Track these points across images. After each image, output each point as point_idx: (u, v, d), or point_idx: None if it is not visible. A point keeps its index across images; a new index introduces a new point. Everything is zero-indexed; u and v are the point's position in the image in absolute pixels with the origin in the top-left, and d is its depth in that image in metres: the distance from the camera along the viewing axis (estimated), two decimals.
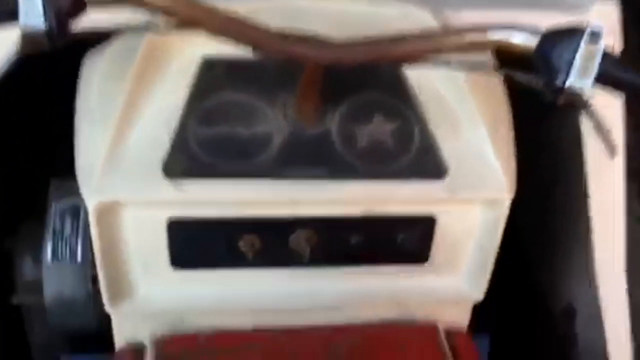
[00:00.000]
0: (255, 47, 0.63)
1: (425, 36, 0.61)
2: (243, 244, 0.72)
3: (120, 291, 0.73)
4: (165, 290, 0.74)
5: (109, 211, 0.68)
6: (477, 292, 0.79)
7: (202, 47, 0.73)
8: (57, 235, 0.85)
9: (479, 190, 0.72)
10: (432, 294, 0.79)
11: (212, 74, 0.73)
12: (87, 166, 0.68)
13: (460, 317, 0.83)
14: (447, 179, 0.72)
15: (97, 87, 0.72)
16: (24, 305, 0.90)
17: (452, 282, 0.80)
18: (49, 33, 0.54)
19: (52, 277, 0.85)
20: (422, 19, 0.72)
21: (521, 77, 0.61)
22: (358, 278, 0.77)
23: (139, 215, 0.69)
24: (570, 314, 1.02)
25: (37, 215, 0.88)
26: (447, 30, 0.64)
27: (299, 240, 0.73)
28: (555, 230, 0.99)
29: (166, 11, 0.59)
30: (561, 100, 0.55)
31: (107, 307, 0.73)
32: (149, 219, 0.70)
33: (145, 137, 0.69)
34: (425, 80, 0.75)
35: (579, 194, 0.87)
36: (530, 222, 1.03)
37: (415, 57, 0.62)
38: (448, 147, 0.73)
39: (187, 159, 0.68)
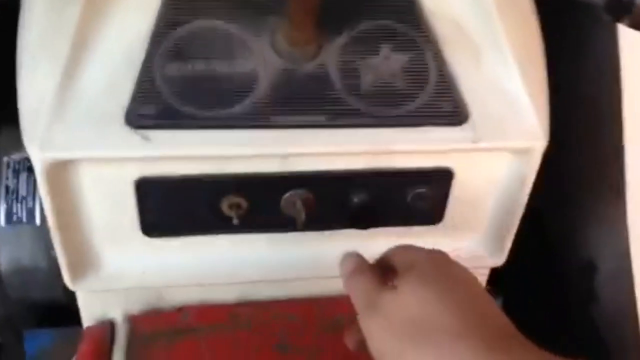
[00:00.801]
0: None
1: None
2: (227, 207, 0.61)
3: (83, 266, 0.61)
4: (136, 261, 0.63)
5: (61, 170, 0.55)
6: (498, 257, 0.68)
7: None
8: (11, 194, 0.73)
9: (506, 137, 0.60)
10: None
11: None
12: (30, 114, 0.55)
13: None
14: (469, 124, 0.59)
15: (39, 11, 0.58)
16: None
17: (470, 245, 0.69)
18: None
19: (7, 242, 0.73)
20: None
21: None
22: (361, 243, 0.65)
23: (99, 174, 0.57)
24: (591, 269, 0.92)
25: None
26: None
27: (293, 200, 0.62)
28: (576, 179, 0.88)
29: None
30: (628, 21, 0.43)
31: (69, 284, 0.62)
32: (113, 178, 0.58)
33: (102, 76, 0.56)
34: (441, 1, 0.62)
35: (613, 138, 0.76)
36: (541, 169, 0.92)
37: None
38: (469, 85, 0.61)
39: (154, 104, 0.56)
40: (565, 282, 0.94)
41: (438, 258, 0.49)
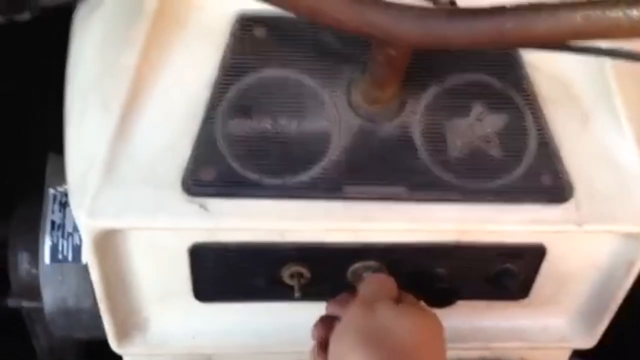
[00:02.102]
0: (313, 16, 0.42)
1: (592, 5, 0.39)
2: (288, 276, 0.55)
3: (129, 330, 0.56)
4: (186, 325, 0.58)
5: (110, 237, 0.50)
6: (588, 341, 0.60)
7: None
8: (57, 230, 0.69)
9: (616, 220, 0.51)
10: (527, 336, 0.61)
11: (250, 39, 0.53)
12: (78, 174, 0.50)
13: None
14: (572, 203, 0.51)
15: (90, 58, 0.52)
16: (23, 308, 0.75)
17: (556, 325, 0.61)
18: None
19: (52, 281, 0.69)
20: None
21: None
22: (437, 315, 0.59)
23: (151, 241, 0.51)
24: None
25: (36, 197, 0.72)
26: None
27: (361, 272, 0.55)
28: None
29: None
30: None
31: (114, 348, 0.57)
32: (166, 245, 0.52)
33: (159, 133, 0.50)
34: (546, 56, 0.53)
35: None
36: None
37: (567, 39, 0.41)
38: (574, 155, 0.53)
39: (215, 167, 0.49)
40: None
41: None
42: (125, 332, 0.56)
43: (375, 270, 0.55)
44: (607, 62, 0.52)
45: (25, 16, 0.36)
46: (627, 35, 0.38)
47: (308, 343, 0.59)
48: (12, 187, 0.77)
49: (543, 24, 0.39)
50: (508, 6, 0.40)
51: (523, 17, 0.39)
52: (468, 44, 0.41)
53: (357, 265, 0.55)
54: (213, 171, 0.49)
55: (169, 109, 0.51)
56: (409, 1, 0.42)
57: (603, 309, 0.58)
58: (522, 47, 0.53)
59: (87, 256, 0.50)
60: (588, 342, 0.60)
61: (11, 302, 0.73)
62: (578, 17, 0.38)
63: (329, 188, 0.50)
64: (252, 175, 0.50)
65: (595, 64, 0.53)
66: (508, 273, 0.56)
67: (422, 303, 0.53)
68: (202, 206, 0.49)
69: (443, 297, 0.56)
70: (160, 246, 0.52)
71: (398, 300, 0.48)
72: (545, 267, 0.56)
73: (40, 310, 0.71)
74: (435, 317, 0.48)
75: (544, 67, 0.54)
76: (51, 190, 0.70)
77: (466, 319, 0.60)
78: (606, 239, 0.54)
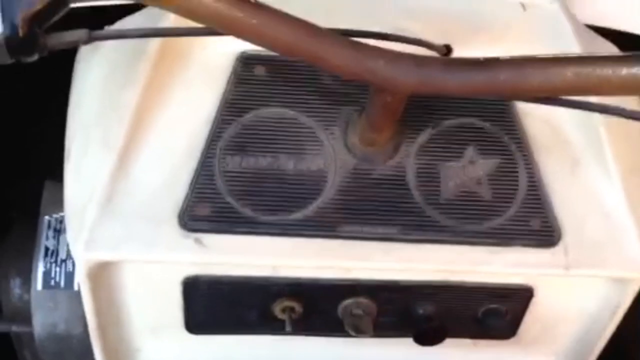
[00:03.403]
0: (313, 62, 0.43)
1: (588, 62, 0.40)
2: (279, 310, 0.55)
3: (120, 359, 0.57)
4: (178, 358, 0.58)
5: (104, 269, 0.51)
6: None
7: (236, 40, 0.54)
8: (50, 256, 0.69)
9: (604, 265, 0.53)
10: None
11: (251, 78, 0.54)
12: (76, 206, 0.51)
13: None
14: (560, 247, 0.52)
15: (92, 96, 0.53)
16: (12, 332, 0.75)
17: None
18: (8, 42, 0.36)
19: (43, 307, 0.69)
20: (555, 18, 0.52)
21: None
22: (424, 353, 0.60)
23: (145, 273, 0.52)
24: None
25: (30, 223, 0.72)
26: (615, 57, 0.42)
27: (352, 308, 0.56)
28: None
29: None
30: None
31: None
32: (159, 277, 0.52)
33: (158, 168, 0.51)
34: (539, 106, 0.55)
35: None
36: None
37: (558, 93, 0.42)
38: (564, 200, 0.54)
39: (211, 203, 0.50)
40: None
41: None
42: None
43: (367, 308, 0.56)
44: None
45: (34, 58, 0.37)
46: (617, 92, 0.40)
47: None
48: (7, 212, 0.78)
49: (535, 78, 0.40)
50: (503, 58, 0.42)
51: (517, 70, 0.41)
52: (462, 93, 0.43)
53: (348, 301, 0.55)
54: (209, 207, 0.50)
55: (169, 145, 0.52)
56: (406, 48, 0.44)
57: (588, 351, 0.59)
58: (515, 99, 0.54)
59: (81, 286, 0.51)
60: None
61: (1, 327, 0.73)
62: (569, 73, 0.40)
63: (324, 226, 0.51)
64: (248, 212, 0.50)
65: (586, 112, 0.54)
66: (495, 313, 0.57)
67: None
68: (197, 241, 0.50)
69: (431, 335, 0.56)
70: (154, 278, 0.53)
71: None
72: (533, 308, 0.57)
73: (30, 335, 0.71)
74: None
75: (535, 112, 0.55)
76: (46, 217, 0.70)
77: (453, 357, 0.61)
78: (593, 283, 0.56)
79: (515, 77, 0.41)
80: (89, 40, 0.41)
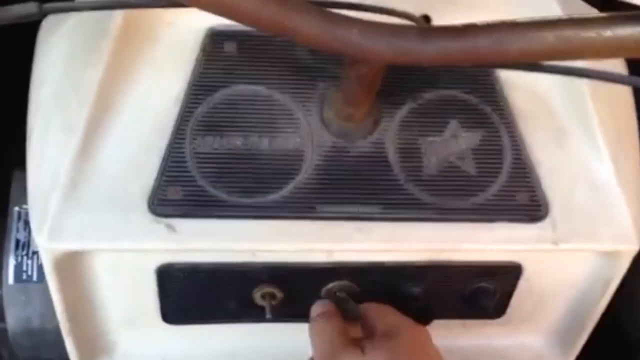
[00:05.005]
0: (284, 34, 0.41)
1: (569, 24, 0.38)
2: (259, 296, 0.53)
3: (95, 353, 0.54)
4: (154, 349, 0.56)
5: (72, 259, 0.48)
6: (565, 357, 0.59)
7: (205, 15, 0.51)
8: (21, 249, 0.66)
9: (593, 238, 0.51)
10: (503, 355, 0.60)
11: (221, 54, 0.52)
12: (39, 194, 0.48)
13: None
14: (548, 221, 0.51)
15: (53, 77, 0.50)
16: None
17: (532, 343, 0.60)
18: None
19: (16, 301, 0.67)
20: None
21: None
22: None
23: (116, 262, 0.50)
24: None
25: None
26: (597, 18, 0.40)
27: (335, 292, 0.54)
28: None
29: None
30: None
31: None
32: (132, 266, 0.50)
33: (125, 151, 0.48)
34: (521, 74, 0.53)
35: None
36: None
37: (540, 59, 0.40)
38: (550, 172, 0.52)
39: (183, 187, 0.48)
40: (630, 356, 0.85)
41: (418, 336, 0.48)
42: (90, 355, 0.54)
43: (351, 291, 0.54)
44: (583, 79, 0.52)
45: None
46: (601, 55, 0.37)
47: None
48: None
49: (516, 44, 0.38)
50: (480, 25, 0.39)
51: (495, 36, 0.39)
52: (440, 63, 0.40)
53: (330, 285, 0.53)
54: (180, 190, 0.48)
55: (135, 127, 0.49)
56: (383, 19, 0.42)
57: (580, 327, 0.57)
58: (495, 67, 0.52)
59: (47, 278, 0.48)
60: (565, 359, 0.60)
61: None
62: (551, 37, 0.38)
63: (302, 207, 0.49)
64: (222, 195, 0.48)
65: (571, 80, 0.52)
66: (484, 292, 0.55)
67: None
68: (168, 226, 0.47)
69: (418, 317, 0.54)
70: (126, 267, 0.50)
71: (359, 341, 0.47)
72: (522, 285, 0.55)
73: (3, 331, 0.68)
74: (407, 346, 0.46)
75: (519, 83, 0.53)
76: (16, 208, 0.67)
77: (442, 338, 0.58)
78: (583, 257, 0.54)
79: (495, 43, 0.39)
80: (40, 14, 0.38)
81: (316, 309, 0.52)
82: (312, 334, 0.49)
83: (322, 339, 0.48)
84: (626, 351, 0.85)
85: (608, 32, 0.37)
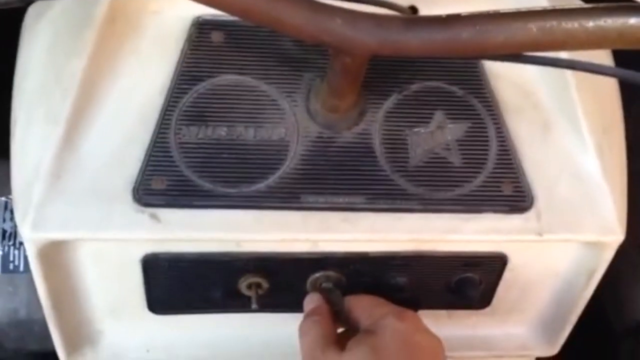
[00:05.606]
0: (269, 24, 0.41)
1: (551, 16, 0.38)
2: (245, 287, 0.53)
3: (79, 343, 0.54)
4: (140, 339, 0.56)
5: (56, 249, 0.48)
6: (550, 349, 0.60)
7: (191, 4, 0.51)
8: (8, 239, 0.66)
9: (577, 229, 0.51)
10: (489, 345, 0.61)
11: (207, 44, 0.52)
12: (22, 186, 0.48)
13: None
14: (533, 212, 0.51)
15: (36, 66, 0.50)
16: None
17: (518, 334, 0.60)
18: None
19: (2, 291, 0.67)
20: None
21: None
22: None
23: (101, 252, 0.50)
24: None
25: None
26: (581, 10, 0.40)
27: (321, 282, 0.54)
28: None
29: None
30: None
31: None
32: (117, 256, 0.50)
33: (109, 141, 0.48)
34: (507, 66, 0.53)
35: None
36: None
37: (523, 50, 0.40)
38: (535, 163, 0.52)
39: (167, 177, 0.48)
40: (614, 345, 0.86)
41: (405, 329, 0.46)
42: (75, 345, 0.54)
43: (337, 281, 0.54)
44: (568, 71, 0.52)
45: None
46: (583, 46, 0.37)
47: (265, 355, 0.58)
48: None
49: (499, 35, 0.38)
50: (464, 15, 0.39)
51: (479, 27, 0.38)
52: (425, 53, 0.40)
53: (316, 275, 0.53)
54: (165, 180, 0.48)
55: (120, 116, 0.49)
56: (369, 10, 0.41)
57: (564, 318, 0.57)
58: (480, 58, 0.52)
59: (32, 268, 0.48)
60: (549, 350, 0.60)
61: None
62: (533, 28, 0.38)
63: (287, 198, 0.49)
64: (206, 185, 0.48)
65: (556, 72, 0.52)
66: (469, 282, 0.55)
67: None
68: (152, 216, 0.47)
69: (403, 307, 0.55)
70: (110, 257, 0.50)
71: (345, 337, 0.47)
72: (507, 276, 0.56)
73: None
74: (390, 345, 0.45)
75: (505, 74, 0.53)
76: (2, 198, 0.67)
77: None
78: (567, 248, 0.54)
79: (479, 34, 0.39)
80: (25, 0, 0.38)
81: (307, 304, 0.52)
82: (300, 333, 0.49)
83: (306, 339, 0.48)
84: (611, 341, 0.86)
85: (590, 23, 0.37)
